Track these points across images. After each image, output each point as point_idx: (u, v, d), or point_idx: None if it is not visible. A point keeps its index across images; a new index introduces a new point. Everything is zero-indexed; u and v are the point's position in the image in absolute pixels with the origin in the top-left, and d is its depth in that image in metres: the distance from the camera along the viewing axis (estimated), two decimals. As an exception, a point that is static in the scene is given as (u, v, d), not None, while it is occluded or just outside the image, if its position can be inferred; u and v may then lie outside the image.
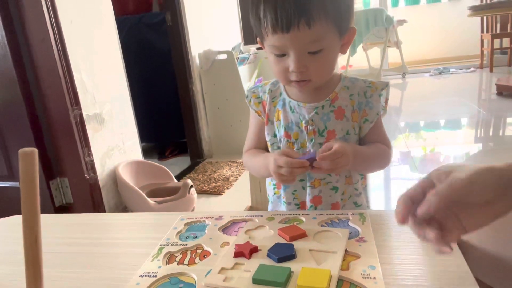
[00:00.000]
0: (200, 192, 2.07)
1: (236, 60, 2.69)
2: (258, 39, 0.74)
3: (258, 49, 3.35)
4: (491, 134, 2.76)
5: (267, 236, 0.59)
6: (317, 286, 0.44)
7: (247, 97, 0.81)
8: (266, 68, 3.37)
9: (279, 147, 0.76)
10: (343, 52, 0.71)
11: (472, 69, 5.12)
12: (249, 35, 4.03)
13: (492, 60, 4.68)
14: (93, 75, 1.71)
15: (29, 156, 0.33)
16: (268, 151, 0.80)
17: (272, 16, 0.64)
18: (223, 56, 2.67)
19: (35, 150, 0.33)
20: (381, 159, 0.74)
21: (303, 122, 0.73)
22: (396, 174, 2.15)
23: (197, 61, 2.67)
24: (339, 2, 0.65)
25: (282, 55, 0.67)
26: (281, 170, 0.64)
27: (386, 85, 0.75)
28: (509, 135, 2.71)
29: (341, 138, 0.73)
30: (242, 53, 3.02)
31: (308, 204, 0.75)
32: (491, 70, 4.73)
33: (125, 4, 2.94)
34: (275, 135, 0.77)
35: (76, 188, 1.65)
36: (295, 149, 0.75)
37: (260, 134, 0.79)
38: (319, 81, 0.71)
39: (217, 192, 2.07)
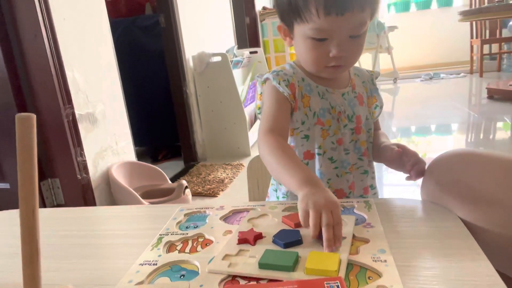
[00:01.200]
0: (195, 195, 2.04)
1: (230, 63, 2.68)
2: (280, 23, 0.70)
3: (251, 52, 3.35)
4: (483, 136, 2.78)
5: (271, 224, 0.57)
6: (327, 269, 0.42)
7: (273, 79, 0.70)
8: (260, 72, 3.37)
9: (306, 136, 0.72)
10: None
11: (462, 74, 5.19)
12: (242, 39, 4.04)
13: (482, 66, 4.75)
14: (86, 74, 1.68)
15: (26, 121, 0.31)
16: (287, 131, 0.71)
17: None
18: (217, 59, 2.66)
19: (33, 115, 0.31)
20: None
21: (336, 108, 0.71)
22: (391, 178, 2.14)
23: (191, 63, 2.66)
24: None
25: (322, 39, 0.64)
26: (324, 217, 0.49)
27: (379, 74, 0.81)
28: (502, 137, 2.73)
29: (364, 123, 0.74)
30: (236, 56, 3.01)
31: (347, 190, 0.73)
32: (481, 75, 4.80)
33: (118, 6, 2.92)
34: (302, 123, 0.71)
35: (67, 189, 1.61)
36: (329, 136, 0.71)
37: (284, 112, 0.69)
38: (351, 65, 0.71)
39: (212, 194, 2.04)
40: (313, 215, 0.49)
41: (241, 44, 3.73)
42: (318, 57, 0.66)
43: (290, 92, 0.69)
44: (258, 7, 4.50)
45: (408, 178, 0.67)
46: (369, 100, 0.77)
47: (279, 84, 0.69)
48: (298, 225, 0.55)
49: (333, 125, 0.71)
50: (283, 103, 0.69)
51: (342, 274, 0.43)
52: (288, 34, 0.70)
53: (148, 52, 2.75)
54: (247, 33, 4.26)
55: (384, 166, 0.75)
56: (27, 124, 0.31)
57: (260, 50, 3.47)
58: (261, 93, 0.73)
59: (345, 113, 0.72)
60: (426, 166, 0.64)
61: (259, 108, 0.75)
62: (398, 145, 0.70)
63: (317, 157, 0.72)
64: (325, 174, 0.72)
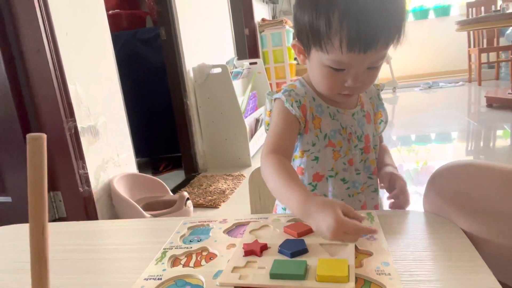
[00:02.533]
0: (196, 206, 2.04)
1: (230, 74, 2.70)
2: (297, 42, 0.68)
3: (251, 63, 3.38)
4: (483, 144, 2.79)
5: (274, 235, 0.58)
6: (338, 275, 0.43)
7: (286, 101, 0.68)
8: (260, 82, 3.40)
9: (316, 157, 0.71)
10: None
11: (460, 83, 5.23)
12: (242, 50, 4.07)
13: (480, 74, 4.79)
14: (88, 87, 1.69)
15: (37, 141, 0.31)
16: (292, 152, 0.70)
17: (352, 32, 0.56)
18: (217, 70, 2.68)
19: (44, 135, 0.32)
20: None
21: (347, 129, 0.71)
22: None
23: (191, 75, 2.68)
24: (405, 15, 0.62)
25: (340, 69, 0.62)
26: (346, 237, 0.49)
27: (384, 87, 0.80)
28: (502, 145, 2.74)
29: (372, 141, 0.75)
30: (236, 67, 3.04)
31: (359, 211, 0.73)
32: (479, 84, 4.83)
33: (119, 20, 2.96)
34: (313, 144, 0.70)
35: (69, 202, 1.61)
36: (340, 157, 0.71)
37: (291, 133, 0.68)
38: (363, 91, 0.73)
39: (213, 205, 2.04)
40: (340, 239, 0.49)
41: (240, 55, 3.77)
42: (333, 85, 0.65)
43: (301, 115, 0.68)
44: (257, 19, 4.55)
45: (389, 206, 0.70)
46: (375, 116, 0.77)
47: (292, 106, 0.67)
48: (301, 234, 0.55)
49: (344, 146, 0.71)
50: (292, 123, 0.68)
51: (352, 279, 0.44)
52: (303, 53, 0.68)
53: (149, 64, 2.77)
54: (247, 44, 4.30)
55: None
56: (38, 144, 0.31)
57: (259, 61, 3.50)
58: (271, 110, 0.72)
59: (356, 133, 0.71)
60: (430, 176, 0.64)
61: (268, 125, 0.73)
62: (391, 176, 0.71)
63: (329, 179, 0.71)
64: (337, 196, 0.72)
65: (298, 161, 0.73)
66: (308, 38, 0.63)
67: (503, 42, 4.95)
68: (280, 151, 0.65)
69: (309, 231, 0.56)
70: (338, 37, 0.58)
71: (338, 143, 0.70)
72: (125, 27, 2.96)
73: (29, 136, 0.31)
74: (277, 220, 0.64)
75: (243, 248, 0.53)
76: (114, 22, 2.86)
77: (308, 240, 0.53)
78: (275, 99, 0.71)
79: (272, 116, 0.71)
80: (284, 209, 0.78)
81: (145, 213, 1.65)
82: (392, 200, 0.70)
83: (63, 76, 1.52)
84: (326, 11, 0.58)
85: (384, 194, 0.74)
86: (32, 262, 0.33)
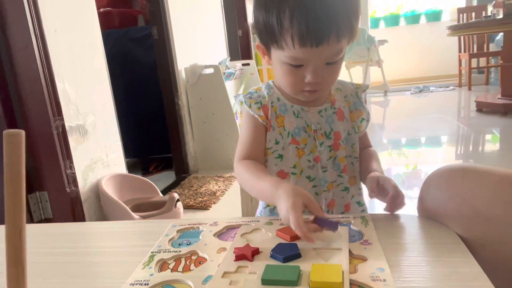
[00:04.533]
0: (186, 207, 2.02)
1: (222, 75, 2.68)
2: (259, 43, 0.70)
3: (244, 65, 3.36)
4: (472, 148, 2.81)
5: (266, 238, 0.56)
6: (332, 281, 0.42)
7: (244, 102, 0.71)
8: (252, 84, 3.38)
9: (280, 155, 0.72)
10: None
11: (451, 87, 5.28)
12: (235, 51, 4.06)
13: (470, 79, 4.85)
14: (77, 86, 1.66)
15: (15, 138, 0.29)
16: (263, 157, 0.73)
17: (302, 28, 0.58)
18: (209, 71, 2.66)
19: (22, 131, 0.30)
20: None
21: (312, 126, 0.71)
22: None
23: (183, 75, 2.65)
24: (357, 13, 0.64)
25: (298, 65, 0.64)
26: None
27: (367, 87, 0.79)
28: (491, 150, 2.76)
29: (344, 138, 0.73)
30: (228, 68, 3.02)
31: (325, 209, 0.72)
32: (469, 89, 4.89)
33: (110, 18, 2.92)
34: (277, 142, 0.72)
35: (56, 202, 1.57)
36: (305, 155, 0.71)
37: (258, 138, 0.72)
38: (327, 89, 0.71)
39: (204, 207, 2.02)
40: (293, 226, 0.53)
41: (233, 56, 3.75)
42: (294, 82, 0.66)
43: (262, 114, 0.70)
44: (250, 20, 4.54)
45: (386, 209, 0.65)
46: (352, 114, 0.75)
47: (250, 107, 0.70)
48: (294, 238, 0.54)
49: (309, 143, 0.71)
50: (258, 128, 0.71)
51: (346, 285, 0.43)
52: (266, 53, 0.70)
53: (140, 64, 2.74)
54: (240, 45, 4.29)
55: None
56: (15, 141, 0.29)
57: (252, 62, 3.49)
58: (241, 111, 0.75)
59: (322, 130, 0.71)
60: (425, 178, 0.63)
61: (241, 126, 0.76)
62: (379, 179, 0.65)
63: (291, 176, 0.71)
64: None
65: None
66: (266, 37, 0.65)
67: (493, 47, 5.01)
68: (251, 157, 0.70)
69: (302, 235, 0.55)
70: (290, 34, 0.60)
71: (303, 140, 0.71)
72: (116, 25, 2.92)
73: (6, 132, 0.29)
74: (269, 224, 0.62)
75: (234, 252, 0.51)
76: (105, 20, 2.82)
77: (301, 244, 0.52)
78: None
79: (241, 121, 0.74)
80: (261, 214, 0.77)
81: (133, 214, 1.62)
82: (387, 203, 0.67)
83: (51, 73, 1.49)
84: (278, 10, 0.60)
85: (375, 201, 0.71)
86: (7, 266, 0.30)
